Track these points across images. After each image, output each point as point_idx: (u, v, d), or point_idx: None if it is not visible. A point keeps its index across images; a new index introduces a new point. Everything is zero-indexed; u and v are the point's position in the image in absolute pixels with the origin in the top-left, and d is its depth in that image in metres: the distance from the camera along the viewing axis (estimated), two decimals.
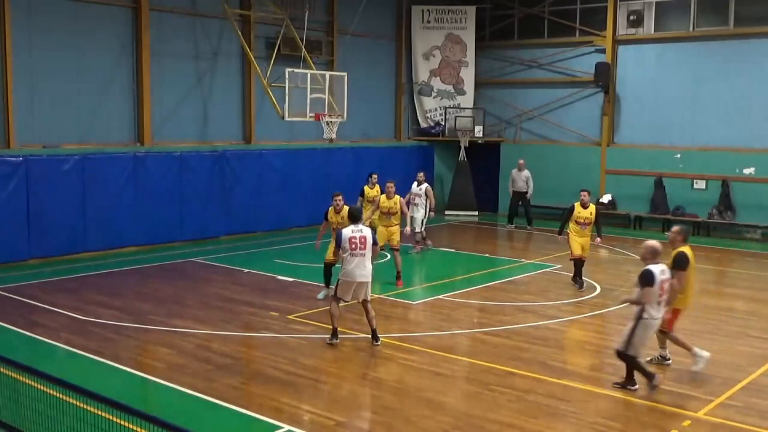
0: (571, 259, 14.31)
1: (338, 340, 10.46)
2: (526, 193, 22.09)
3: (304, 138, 21.34)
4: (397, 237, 14.69)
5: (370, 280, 10.47)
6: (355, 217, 10.60)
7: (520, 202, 22.21)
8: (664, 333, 9.51)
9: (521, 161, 22.34)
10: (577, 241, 14.00)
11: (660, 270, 8.68)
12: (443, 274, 15.83)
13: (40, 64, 16.25)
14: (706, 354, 9.42)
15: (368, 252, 10.35)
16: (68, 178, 16.13)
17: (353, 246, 10.28)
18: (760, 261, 17.88)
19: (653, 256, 8.77)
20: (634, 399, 8.71)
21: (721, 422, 8.08)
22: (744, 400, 8.76)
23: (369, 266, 10.43)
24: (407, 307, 12.81)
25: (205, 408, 8.31)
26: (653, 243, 8.88)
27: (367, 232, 10.43)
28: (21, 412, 7.11)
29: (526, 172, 22.09)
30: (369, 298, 10.54)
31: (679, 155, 21.87)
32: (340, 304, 10.51)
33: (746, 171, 20.79)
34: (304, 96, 17.61)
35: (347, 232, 10.38)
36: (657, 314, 8.74)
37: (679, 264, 9.29)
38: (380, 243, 12.71)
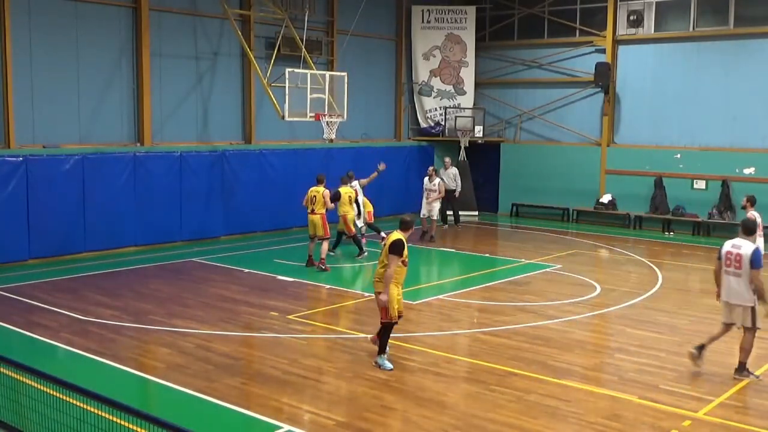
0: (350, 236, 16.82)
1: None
2: (455, 191, 21.75)
3: (304, 138, 21.34)
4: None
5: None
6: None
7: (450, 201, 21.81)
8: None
9: (447, 159, 22.07)
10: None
11: None
12: (443, 274, 15.83)
13: (40, 64, 16.24)
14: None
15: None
16: (68, 178, 16.13)
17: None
18: None
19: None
20: (634, 399, 8.71)
21: (721, 422, 8.08)
22: (744, 400, 8.76)
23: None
24: (407, 307, 12.75)
25: (205, 408, 8.31)
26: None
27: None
28: (21, 412, 7.11)
29: (453, 170, 21.78)
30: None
31: (679, 155, 21.87)
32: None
33: (746, 171, 20.78)
34: (304, 96, 17.60)
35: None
36: None
37: None
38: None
